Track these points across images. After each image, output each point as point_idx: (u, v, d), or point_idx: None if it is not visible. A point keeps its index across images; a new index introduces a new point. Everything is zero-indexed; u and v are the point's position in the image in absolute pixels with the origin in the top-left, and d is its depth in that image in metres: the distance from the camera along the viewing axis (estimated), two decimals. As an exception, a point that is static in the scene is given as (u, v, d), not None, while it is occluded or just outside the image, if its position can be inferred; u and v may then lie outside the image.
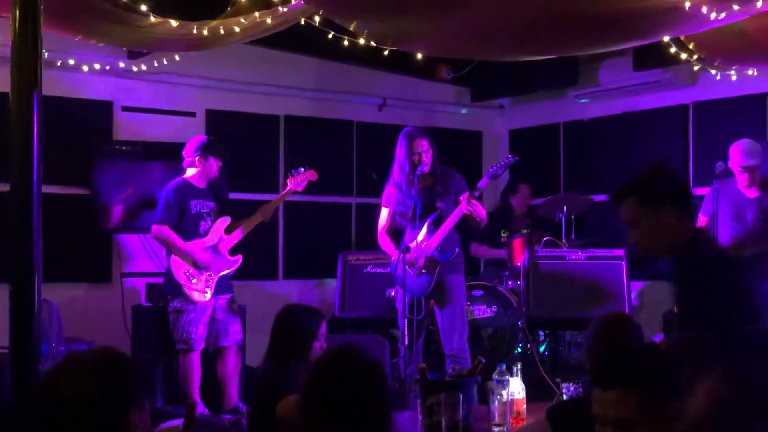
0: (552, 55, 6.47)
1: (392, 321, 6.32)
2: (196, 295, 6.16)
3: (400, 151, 6.04)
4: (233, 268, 6.38)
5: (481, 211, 5.92)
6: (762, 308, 3.28)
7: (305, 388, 2.50)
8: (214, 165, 6.34)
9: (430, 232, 5.92)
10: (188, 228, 6.24)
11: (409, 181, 5.94)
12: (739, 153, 6.17)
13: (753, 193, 6.29)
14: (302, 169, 6.58)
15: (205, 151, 6.28)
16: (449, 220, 5.92)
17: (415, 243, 5.89)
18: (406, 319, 5.77)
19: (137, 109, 7.81)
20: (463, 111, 9.62)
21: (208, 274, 6.21)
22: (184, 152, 6.35)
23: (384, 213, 6.14)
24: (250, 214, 6.53)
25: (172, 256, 6.24)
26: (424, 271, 5.89)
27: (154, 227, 6.24)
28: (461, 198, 5.95)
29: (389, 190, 6.14)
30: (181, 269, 6.18)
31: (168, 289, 6.29)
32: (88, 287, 7.49)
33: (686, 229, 3.36)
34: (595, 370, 2.48)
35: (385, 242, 6.11)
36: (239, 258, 6.39)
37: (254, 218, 6.48)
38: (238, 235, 6.38)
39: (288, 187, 6.56)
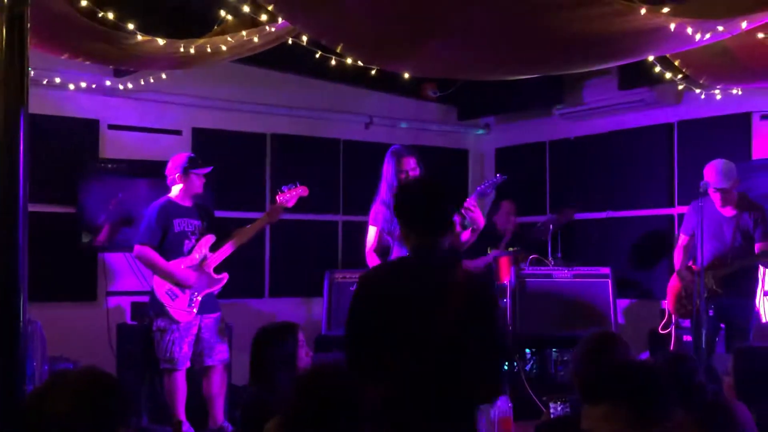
0: (537, 75, 6.51)
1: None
2: (179, 314, 6.13)
3: (387, 169, 6.03)
4: (218, 287, 6.34)
5: (479, 219, 5.85)
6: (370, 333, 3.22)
7: (288, 406, 2.49)
8: (197, 181, 6.32)
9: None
10: (171, 247, 6.21)
11: (396, 200, 5.93)
12: (713, 174, 6.19)
13: (729, 212, 6.32)
14: (292, 185, 6.54)
15: (185, 168, 6.26)
16: (436, 239, 5.90)
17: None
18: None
19: (123, 128, 7.80)
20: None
21: (192, 292, 6.19)
22: (166, 171, 6.33)
23: (372, 232, 6.13)
24: (230, 231, 6.50)
25: (155, 275, 6.22)
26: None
27: (136, 247, 6.22)
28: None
29: (377, 209, 6.13)
30: (162, 288, 6.15)
31: (152, 308, 6.27)
32: (73, 306, 7.45)
33: (411, 244, 3.37)
34: (586, 384, 2.49)
35: (373, 261, 6.09)
36: (225, 276, 6.35)
37: (245, 231, 6.44)
38: (226, 251, 6.34)
39: (278, 202, 6.50)
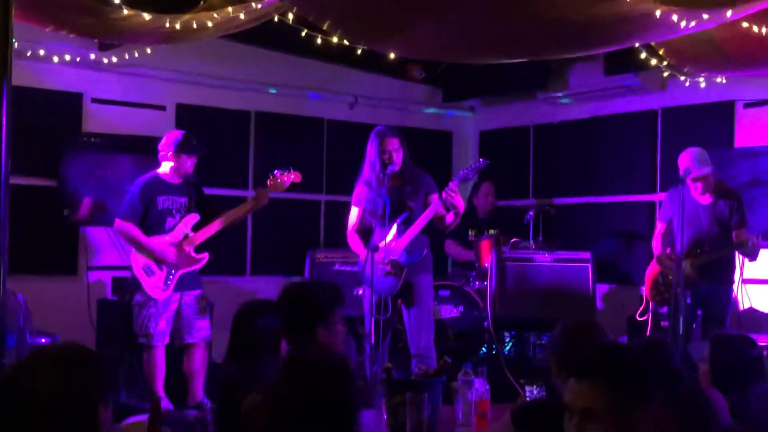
0: (524, 59, 6.51)
1: (360, 319, 6.33)
2: (153, 291, 6.12)
3: (370, 149, 6.04)
4: (197, 267, 6.31)
5: (459, 204, 5.90)
6: None
7: (272, 387, 2.49)
8: (188, 162, 6.28)
9: (399, 232, 5.92)
10: (153, 224, 6.18)
11: (379, 180, 5.94)
12: (689, 163, 6.20)
13: (707, 200, 6.35)
14: (285, 169, 6.44)
15: (178, 148, 6.22)
16: (419, 221, 5.93)
17: (384, 243, 5.90)
18: (373, 319, 5.78)
19: (107, 102, 7.77)
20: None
21: (169, 270, 6.17)
22: (159, 146, 6.28)
23: (354, 212, 6.14)
24: (220, 210, 6.47)
25: (132, 250, 6.20)
26: (392, 271, 5.91)
27: (117, 221, 6.20)
28: (432, 198, 5.97)
29: (359, 189, 6.14)
30: (139, 264, 6.14)
31: (132, 283, 6.27)
32: (53, 280, 7.43)
33: None
34: (568, 363, 2.52)
35: (354, 242, 6.11)
36: (205, 256, 6.31)
37: (231, 213, 6.38)
38: (208, 232, 6.29)
39: (267, 187, 6.45)
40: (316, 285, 3.87)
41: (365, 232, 6.08)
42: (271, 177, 6.41)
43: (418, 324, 6.00)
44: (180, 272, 6.19)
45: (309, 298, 3.73)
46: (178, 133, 6.31)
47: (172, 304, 6.19)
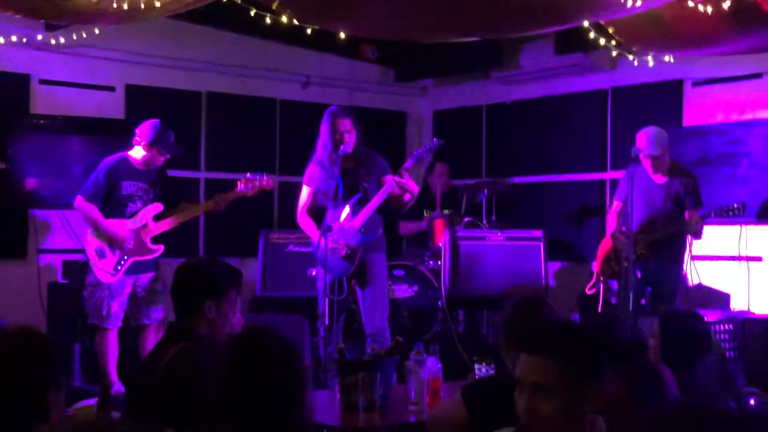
0: (474, 38, 6.53)
1: (314, 300, 6.33)
2: (102, 275, 6.07)
3: (323, 129, 6.03)
4: (150, 257, 6.26)
5: (413, 186, 5.94)
6: None
7: (219, 367, 2.48)
8: (159, 158, 6.24)
9: (353, 213, 5.93)
10: (114, 207, 6.14)
11: (332, 160, 5.93)
12: (644, 141, 6.29)
13: (661, 179, 6.44)
14: (259, 174, 6.47)
15: (154, 141, 6.15)
16: (373, 201, 5.93)
17: (337, 223, 5.90)
18: (327, 299, 5.78)
19: (55, 83, 7.66)
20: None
21: (121, 256, 6.12)
22: (136, 130, 6.20)
23: (305, 192, 6.13)
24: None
25: (87, 231, 6.15)
26: (348, 256, 5.91)
27: (78, 198, 6.13)
28: (385, 179, 5.97)
29: (312, 169, 6.13)
30: (92, 246, 6.09)
31: (85, 264, 6.22)
32: (2, 263, 7.34)
33: None
34: (519, 338, 2.54)
35: (305, 222, 6.09)
36: (160, 248, 6.24)
37: (190, 210, 6.41)
38: (166, 225, 6.27)
39: (238, 189, 6.46)
40: (216, 263, 3.74)
41: (318, 212, 6.07)
42: (244, 179, 6.44)
43: (372, 304, 6.01)
44: (132, 259, 6.15)
45: (205, 272, 3.65)
46: (158, 125, 6.21)
47: (126, 288, 6.15)
